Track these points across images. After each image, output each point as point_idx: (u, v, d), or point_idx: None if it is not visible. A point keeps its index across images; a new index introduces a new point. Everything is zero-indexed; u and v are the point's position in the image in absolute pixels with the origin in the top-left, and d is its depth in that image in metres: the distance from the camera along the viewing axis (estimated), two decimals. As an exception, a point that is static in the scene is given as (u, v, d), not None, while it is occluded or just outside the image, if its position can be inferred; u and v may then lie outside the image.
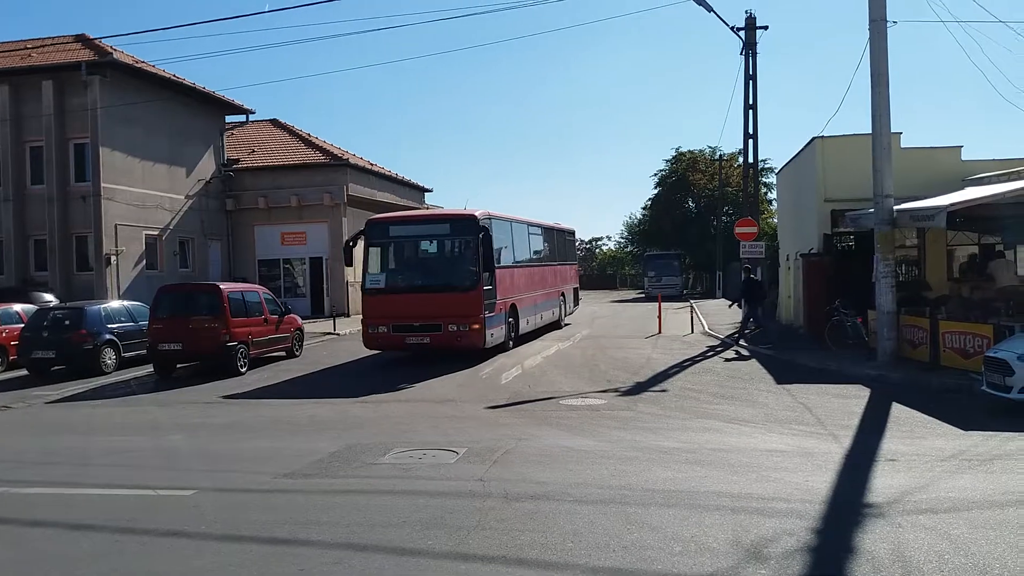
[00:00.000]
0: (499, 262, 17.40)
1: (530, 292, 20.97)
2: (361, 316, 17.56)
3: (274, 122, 36.77)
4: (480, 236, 16.39)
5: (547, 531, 5.82)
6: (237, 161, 32.58)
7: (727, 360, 16.61)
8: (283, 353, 18.82)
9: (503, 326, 17.96)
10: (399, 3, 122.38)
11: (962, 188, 16.65)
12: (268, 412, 12.04)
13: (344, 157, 33.02)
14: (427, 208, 36.53)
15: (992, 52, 37.76)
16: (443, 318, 16.21)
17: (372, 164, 36.25)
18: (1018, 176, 15.96)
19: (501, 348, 17.96)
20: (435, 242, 18.02)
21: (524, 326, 20.12)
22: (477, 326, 16.28)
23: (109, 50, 25.58)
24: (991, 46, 24.80)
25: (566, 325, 25.43)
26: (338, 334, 24.24)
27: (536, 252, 22.84)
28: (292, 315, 19.43)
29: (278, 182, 31.47)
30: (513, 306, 18.90)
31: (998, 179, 16.65)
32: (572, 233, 29.54)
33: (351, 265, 17.98)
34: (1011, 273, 16.47)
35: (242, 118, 33.17)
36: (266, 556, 5.56)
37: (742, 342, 19.03)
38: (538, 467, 7.83)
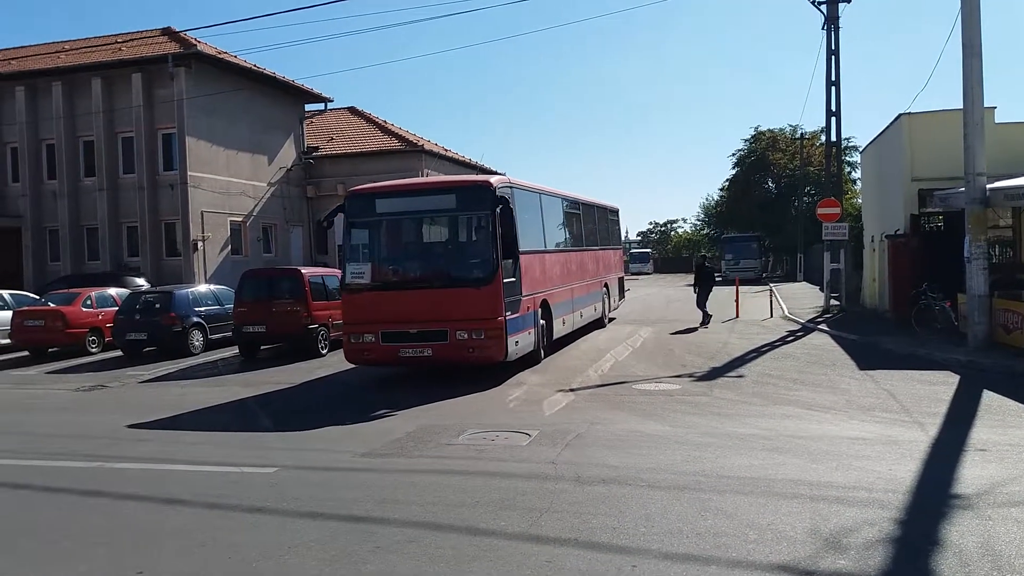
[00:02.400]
0: (526, 246, 13.48)
1: (566, 284, 16.56)
2: (341, 321, 13.43)
3: (352, 110, 37.44)
4: (498, 210, 12.17)
5: (619, 515, 5.81)
6: (316, 148, 33.33)
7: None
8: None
9: (531, 330, 13.64)
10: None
11: (1063, 165, 15.74)
12: (347, 392, 12.39)
13: (419, 143, 33.42)
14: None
15: (1099, 19, 35.36)
16: (449, 322, 12.06)
17: (447, 150, 36.58)
18: None
19: (530, 360, 13.66)
20: (438, 220, 13.77)
21: (559, 328, 15.75)
22: (496, 332, 12.13)
23: (193, 42, 26.45)
24: (1098, 12, 23.30)
25: (611, 321, 21.61)
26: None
27: (573, 233, 18.51)
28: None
29: (356, 168, 32.03)
30: (545, 302, 14.56)
31: (1103, 154, 15.67)
32: (616, 212, 24.35)
33: (326, 253, 13.98)
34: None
35: (321, 106, 33.94)
36: (343, 533, 5.72)
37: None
38: (610, 451, 7.80)
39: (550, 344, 15.02)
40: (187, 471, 7.81)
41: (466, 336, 12.09)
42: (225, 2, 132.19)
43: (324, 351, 16.94)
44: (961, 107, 13.90)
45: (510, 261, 12.65)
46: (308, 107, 33.52)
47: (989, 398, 10.02)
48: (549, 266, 15.38)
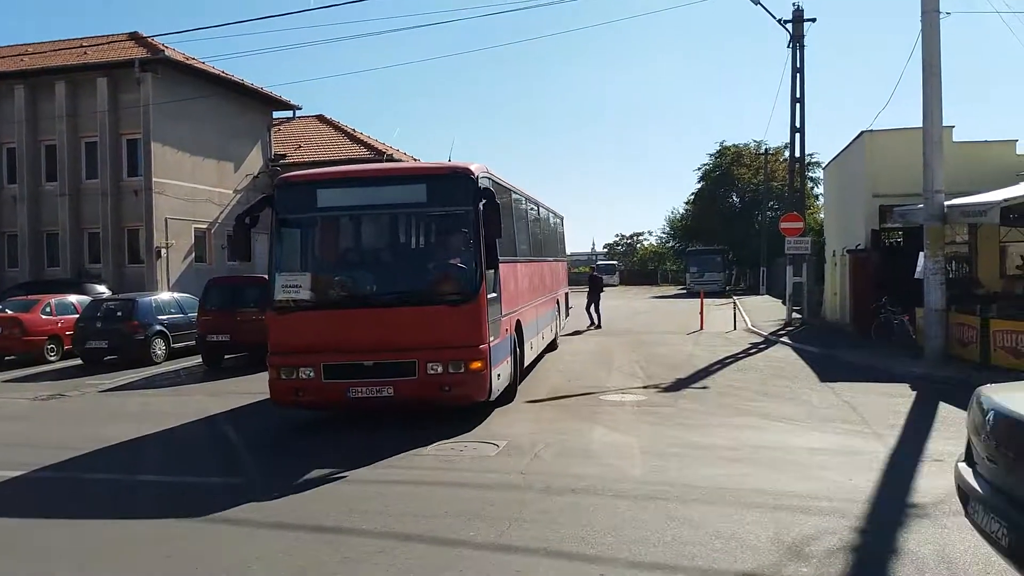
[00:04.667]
0: (501, 253, 10.23)
1: (533, 301, 13.99)
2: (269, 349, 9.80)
3: (320, 118, 37.29)
4: (481, 206, 9.42)
5: (587, 525, 5.87)
6: (284, 156, 33.11)
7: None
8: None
9: (509, 359, 11.01)
10: (443, 1, 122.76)
11: (1017, 183, 16.24)
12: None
13: (387, 152, 33.37)
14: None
15: (1050, 43, 36.55)
16: (419, 351, 9.21)
17: (415, 159, 36.56)
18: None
19: (504, 398, 10.79)
20: (402, 217, 10.58)
21: (528, 354, 13.06)
22: (480, 363, 9.40)
23: (161, 47, 26.20)
24: (1049, 37, 24.11)
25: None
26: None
27: (537, 241, 16.09)
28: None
29: (323, 177, 31.83)
30: (519, 324, 11.90)
31: (1055, 174, 16.20)
32: (562, 220, 21.30)
33: (247, 258, 10.35)
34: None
35: (289, 114, 33.79)
36: (312, 543, 5.71)
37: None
38: (578, 461, 7.87)
39: (522, 373, 12.31)
40: (154, 480, 7.71)
41: (440, 369, 9.20)
42: (194, 9, 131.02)
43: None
44: (921, 126, 14.29)
45: (492, 272, 9.95)
46: (276, 114, 33.34)
47: (945, 410, 10.28)
48: (521, 279, 12.86)
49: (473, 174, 9.68)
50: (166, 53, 25.82)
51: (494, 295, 10.10)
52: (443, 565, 5.21)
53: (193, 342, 17.75)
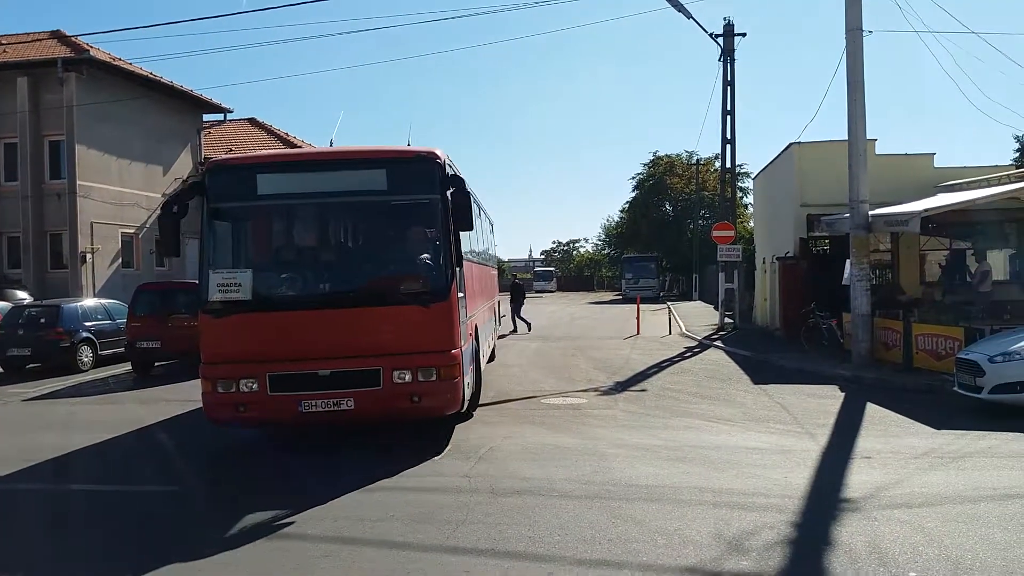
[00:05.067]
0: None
1: (484, 304, 13.48)
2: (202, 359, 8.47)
3: (252, 121, 36.65)
4: (450, 194, 8.45)
5: (534, 525, 5.93)
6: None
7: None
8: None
9: (473, 366, 10.24)
10: (378, 6, 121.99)
11: (935, 194, 17.03)
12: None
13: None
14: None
15: (964, 62, 38.54)
16: (383, 357, 8.22)
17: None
18: (988, 183, 16.37)
19: (466, 412, 9.83)
20: (357, 207, 9.10)
21: (483, 363, 12.03)
22: (453, 370, 8.43)
23: (86, 47, 25.35)
24: (963, 57, 25.39)
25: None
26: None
27: (485, 241, 15.56)
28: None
29: (257, 181, 31.25)
30: (476, 329, 10.98)
31: (969, 186, 17.05)
32: (492, 226, 19.20)
33: (176, 252, 8.65)
34: (990, 280, 16.84)
35: (220, 117, 33.05)
36: (262, 550, 5.62)
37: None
38: (523, 463, 7.93)
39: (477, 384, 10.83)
40: (83, 490, 7.46)
41: (409, 378, 8.19)
42: (121, 9, 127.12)
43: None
44: (846, 138, 14.87)
45: (460, 268, 9.01)
46: (207, 117, 32.59)
47: (872, 410, 10.70)
48: (476, 280, 12.02)
49: (440, 158, 8.54)
50: (91, 53, 24.98)
51: (461, 295, 9.07)
52: (391, 568, 5.20)
53: (122, 349, 17.20)
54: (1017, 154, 45.39)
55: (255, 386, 8.12)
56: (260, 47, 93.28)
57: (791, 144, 20.59)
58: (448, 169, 8.64)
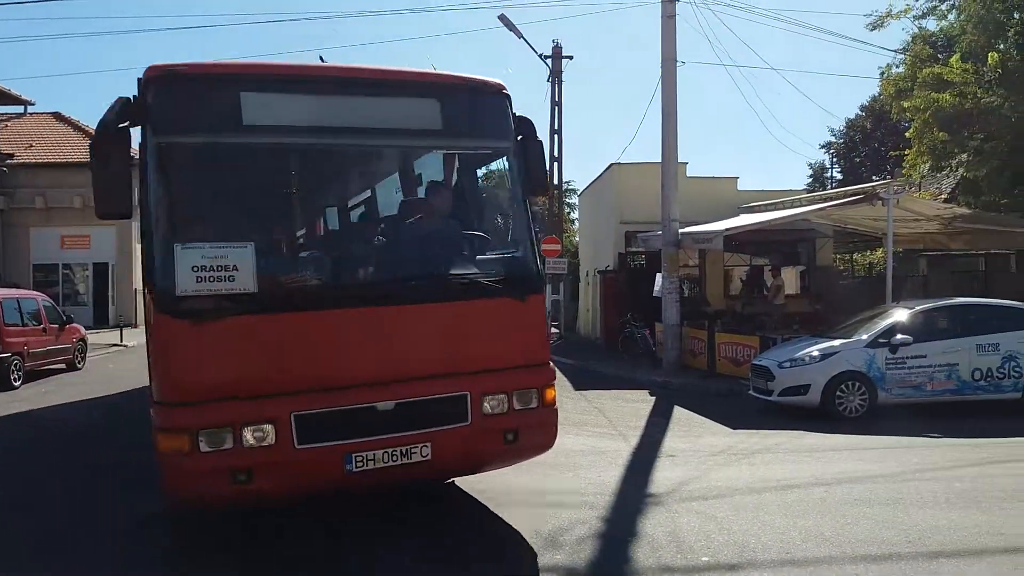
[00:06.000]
0: None
1: None
2: (155, 394, 5.06)
3: (56, 115, 33.69)
4: (526, 143, 6.01)
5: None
6: (12, 156, 29.55)
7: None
8: (64, 365, 17.38)
9: None
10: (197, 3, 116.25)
11: (738, 215, 18.60)
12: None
13: (139, 156, 30.95)
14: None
15: (765, 95, 42.28)
16: (467, 376, 5.46)
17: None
18: (783, 206, 18.11)
19: None
20: (395, 153, 6.46)
21: None
22: (551, 392, 5.93)
23: None
24: (764, 90, 27.89)
25: None
26: (125, 345, 22.62)
27: None
28: (75, 325, 18.00)
29: (59, 180, 28.79)
30: None
31: (767, 208, 18.77)
32: None
33: (127, 211, 5.00)
34: (783, 293, 18.56)
35: (19, 109, 30.33)
36: None
37: None
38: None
39: None
40: None
41: (503, 406, 5.56)
42: None
43: (18, 383, 15.04)
44: (660, 161, 15.94)
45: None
46: (3, 109, 29.76)
47: (679, 412, 11.54)
48: None
49: (506, 91, 6.01)
50: None
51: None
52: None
53: None
54: (810, 179, 50.50)
55: (271, 436, 4.89)
56: (66, 39, 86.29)
57: (612, 164, 21.77)
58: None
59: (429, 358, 5.36)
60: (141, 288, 18.01)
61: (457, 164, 6.39)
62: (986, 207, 18.45)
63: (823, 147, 51.12)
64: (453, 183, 6.42)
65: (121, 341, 23.23)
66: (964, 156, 18.52)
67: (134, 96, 5.09)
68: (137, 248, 22.89)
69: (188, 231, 5.04)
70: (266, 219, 5.66)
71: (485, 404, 5.47)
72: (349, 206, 6.81)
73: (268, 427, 4.88)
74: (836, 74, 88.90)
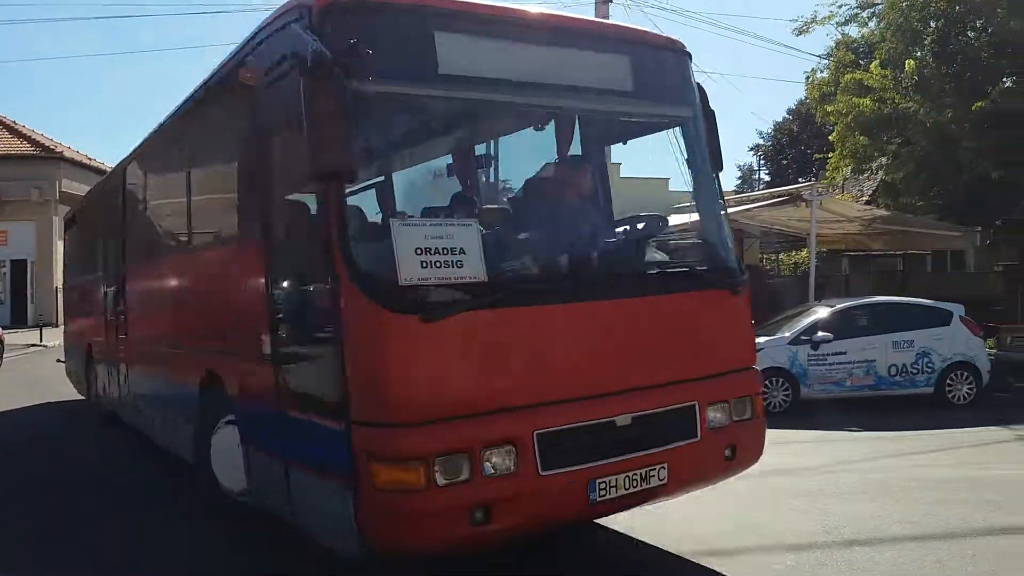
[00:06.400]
0: None
1: None
2: (362, 411, 3.75)
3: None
4: (709, 113, 5.22)
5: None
6: (-80, 147, 28.18)
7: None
8: (-23, 366, 16.73)
9: None
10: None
11: (670, 215, 18.88)
12: None
13: (58, 150, 29.85)
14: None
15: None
16: (691, 384, 4.56)
17: (92, 159, 32.99)
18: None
19: None
20: (593, 118, 5.48)
21: None
22: (759, 399, 5.07)
23: None
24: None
25: None
26: (45, 346, 21.79)
27: None
28: (-10, 324, 17.33)
29: (-27, 174, 27.66)
30: None
31: (696, 209, 19.15)
32: None
33: (350, 165, 3.73)
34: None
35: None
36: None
37: None
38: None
39: None
40: None
41: (724, 417, 4.74)
42: None
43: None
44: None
45: None
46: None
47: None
48: None
49: (686, 48, 5.21)
50: None
51: None
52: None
53: None
54: (739, 181, 51.82)
55: (512, 461, 3.91)
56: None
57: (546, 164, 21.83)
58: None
59: (658, 361, 4.54)
60: (60, 286, 17.13)
61: (635, 129, 5.64)
62: (904, 209, 19.21)
63: (751, 149, 52.61)
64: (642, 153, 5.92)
65: (41, 341, 22.40)
66: (883, 159, 19.28)
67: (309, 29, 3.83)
68: (58, 245, 22.31)
69: (388, 204, 4.46)
70: (468, 190, 5.03)
71: (710, 415, 4.64)
72: (551, 174, 5.29)
73: (507, 450, 3.89)
74: (765, 78, 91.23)
